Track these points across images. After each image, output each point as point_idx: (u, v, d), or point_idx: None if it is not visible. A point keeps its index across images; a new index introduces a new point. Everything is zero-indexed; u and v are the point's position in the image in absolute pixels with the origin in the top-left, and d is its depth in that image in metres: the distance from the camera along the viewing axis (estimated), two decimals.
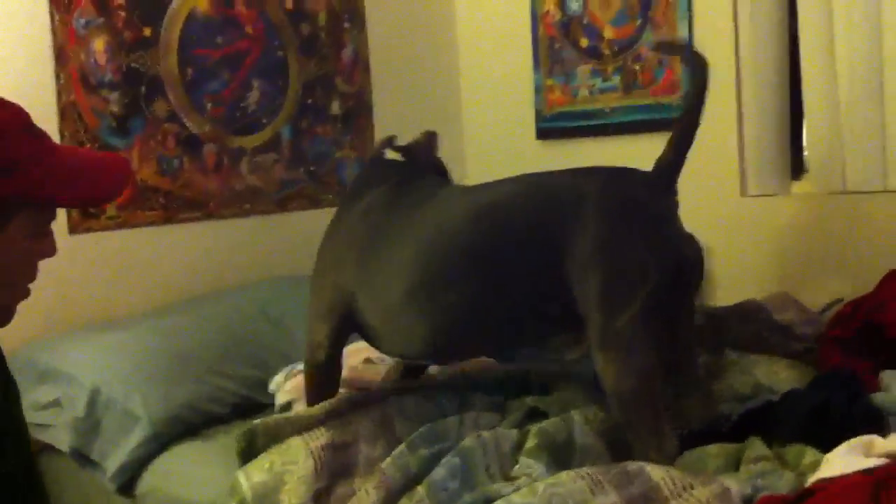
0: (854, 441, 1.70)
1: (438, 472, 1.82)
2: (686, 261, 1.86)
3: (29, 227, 1.33)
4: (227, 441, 2.16)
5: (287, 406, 2.33)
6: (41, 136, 1.34)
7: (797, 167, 3.05)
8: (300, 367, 2.39)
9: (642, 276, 1.79)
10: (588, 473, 1.65)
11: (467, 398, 2.13)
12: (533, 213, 1.89)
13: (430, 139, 2.35)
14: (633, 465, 1.68)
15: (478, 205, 1.95)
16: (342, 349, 2.18)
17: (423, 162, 2.26)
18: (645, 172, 1.97)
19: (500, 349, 2.26)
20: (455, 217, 1.97)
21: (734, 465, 1.78)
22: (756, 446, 1.79)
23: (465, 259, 1.92)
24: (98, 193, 1.43)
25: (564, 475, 1.67)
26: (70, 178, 1.35)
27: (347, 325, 2.13)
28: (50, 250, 1.39)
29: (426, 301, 1.96)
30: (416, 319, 1.99)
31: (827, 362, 2.17)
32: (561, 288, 1.84)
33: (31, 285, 1.39)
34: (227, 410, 2.41)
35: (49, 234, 1.39)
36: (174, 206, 2.87)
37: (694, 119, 1.95)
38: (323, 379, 2.17)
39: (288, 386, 2.40)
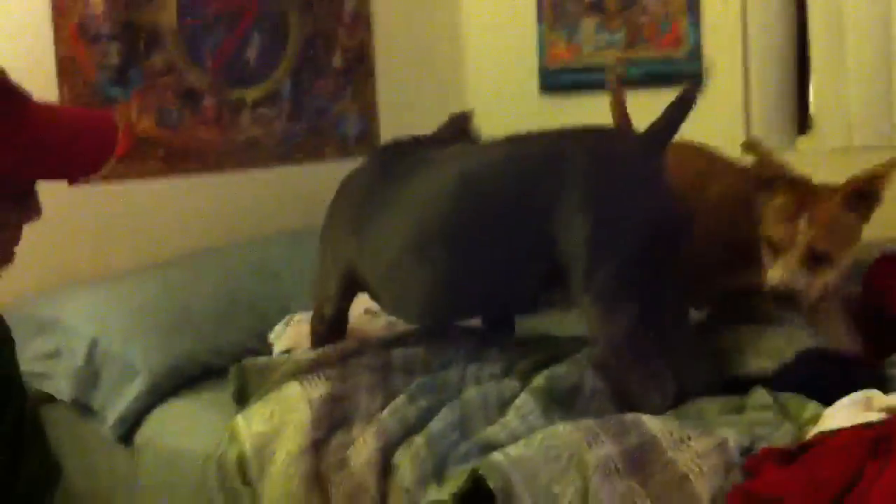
0: (855, 395, 1.70)
1: (436, 424, 1.82)
2: (670, 223, 1.86)
3: (5, 199, 1.22)
4: (225, 393, 2.17)
5: (286, 353, 2.33)
6: (10, 110, 1.20)
7: (802, 122, 3.02)
8: (300, 315, 2.40)
9: (625, 230, 1.83)
10: (585, 426, 1.65)
11: (476, 352, 2.13)
12: (518, 180, 1.91)
13: (459, 120, 2.37)
14: (630, 416, 1.68)
15: (465, 172, 1.97)
16: (349, 305, 2.25)
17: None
18: (634, 135, 2.01)
19: (492, 310, 2.25)
20: (445, 183, 1.99)
21: (733, 408, 1.78)
22: (758, 395, 1.79)
23: (454, 225, 1.96)
24: (75, 171, 1.30)
25: (561, 427, 1.66)
26: (44, 156, 1.22)
27: (353, 284, 2.18)
28: (33, 214, 1.27)
29: (419, 265, 1.99)
30: (411, 282, 2.02)
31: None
32: (549, 246, 1.87)
33: (20, 246, 1.28)
34: (228, 362, 2.40)
35: (31, 196, 1.26)
36: (174, 158, 2.84)
37: (695, 89, 1.95)
38: (329, 334, 2.23)
39: (289, 332, 2.41)
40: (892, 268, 2.18)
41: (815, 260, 1.84)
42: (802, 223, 1.84)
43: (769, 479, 1.51)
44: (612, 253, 1.81)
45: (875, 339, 2.05)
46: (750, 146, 2.02)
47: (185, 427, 2.21)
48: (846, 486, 1.45)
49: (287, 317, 2.47)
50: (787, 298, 1.84)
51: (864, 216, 1.87)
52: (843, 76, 2.78)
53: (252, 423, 1.92)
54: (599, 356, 1.89)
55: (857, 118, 2.75)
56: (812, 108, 2.97)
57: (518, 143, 2.00)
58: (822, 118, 2.88)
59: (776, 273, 1.84)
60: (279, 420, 1.90)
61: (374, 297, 2.19)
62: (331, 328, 2.23)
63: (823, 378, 1.84)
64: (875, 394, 1.70)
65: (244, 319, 2.49)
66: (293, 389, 1.96)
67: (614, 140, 1.98)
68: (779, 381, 1.86)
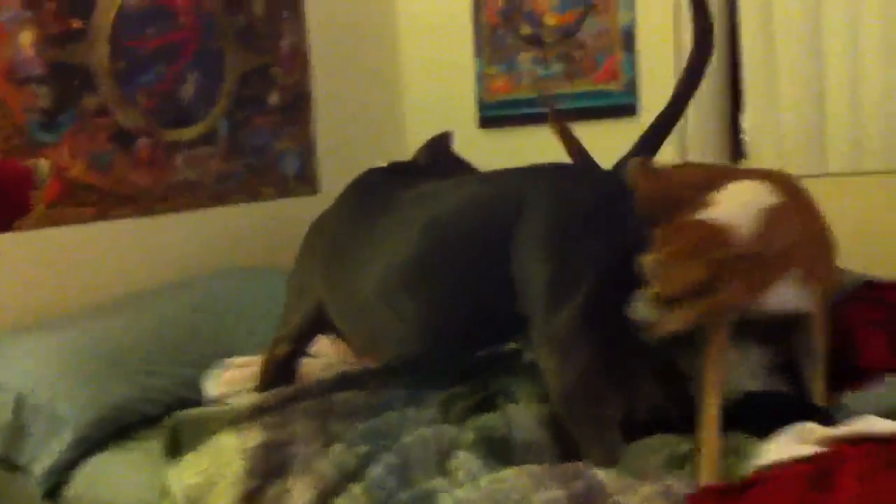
0: (791, 428, 1.70)
1: (376, 470, 1.79)
2: (632, 261, 1.83)
3: None
4: (158, 443, 2.11)
5: (217, 399, 2.28)
6: None
7: (737, 151, 3.06)
8: (240, 360, 2.36)
9: (584, 271, 1.76)
10: (531, 471, 1.64)
11: (414, 395, 2.11)
12: (481, 224, 1.89)
13: (439, 141, 2.37)
14: (577, 466, 1.67)
15: (433, 216, 1.96)
16: (304, 347, 2.26)
17: (433, 165, 2.29)
18: (597, 172, 2.00)
19: (464, 350, 2.22)
20: (413, 228, 1.97)
21: (678, 458, 1.77)
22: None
23: (424, 270, 1.94)
24: None
25: (508, 471, 1.66)
26: None
27: (314, 326, 2.19)
28: None
29: (389, 308, 1.98)
30: (382, 324, 2.01)
31: None
32: (512, 291, 1.83)
33: None
34: (161, 411, 2.35)
35: None
36: (107, 202, 2.78)
37: (663, 128, 1.94)
38: (278, 375, 2.21)
39: (225, 377, 2.37)
40: (855, 313, 2.14)
41: (665, 305, 1.65)
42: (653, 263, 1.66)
43: None
44: (568, 298, 1.75)
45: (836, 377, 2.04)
46: (636, 170, 1.83)
47: (116, 480, 2.14)
48: None
49: (225, 360, 2.43)
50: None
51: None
52: (776, 105, 2.82)
53: (184, 476, 1.87)
54: (552, 407, 1.85)
55: (790, 146, 2.79)
56: (746, 137, 3.01)
57: (483, 184, 1.97)
58: (756, 146, 2.92)
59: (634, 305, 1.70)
60: (214, 472, 1.86)
61: (341, 336, 2.17)
62: (281, 370, 2.21)
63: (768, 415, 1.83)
64: (814, 427, 1.70)
65: (180, 366, 2.44)
66: (229, 440, 1.91)
67: (573, 180, 1.90)
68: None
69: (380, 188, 2.17)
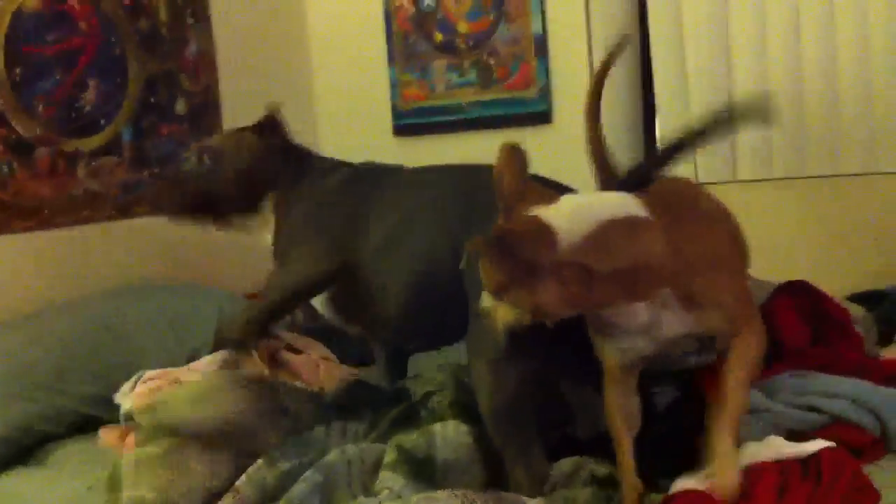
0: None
1: (298, 488, 1.73)
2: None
3: None
4: (61, 463, 2.09)
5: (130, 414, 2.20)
6: None
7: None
8: (152, 373, 2.27)
9: None
10: (464, 493, 1.60)
11: (343, 407, 2.07)
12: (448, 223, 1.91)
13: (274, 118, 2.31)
14: (510, 496, 1.64)
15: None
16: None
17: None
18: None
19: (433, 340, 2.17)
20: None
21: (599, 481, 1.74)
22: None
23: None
24: None
25: (440, 493, 1.62)
26: None
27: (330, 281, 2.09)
28: None
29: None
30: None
31: None
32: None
33: None
34: (63, 430, 2.27)
35: None
36: (5, 215, 2.65)
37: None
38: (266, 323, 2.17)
39: (139, 390, 2.27)
40: (787, 301, 2.21)
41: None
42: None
43: None
44: None
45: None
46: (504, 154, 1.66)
47: (21, 501, 2.05)
48: None
49: (136, 375, 2.33)
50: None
51: None
52: (687, 114, 2.85)
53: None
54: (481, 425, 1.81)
55: (701, 155, 2.83)
56: (660, 143, 3.04)
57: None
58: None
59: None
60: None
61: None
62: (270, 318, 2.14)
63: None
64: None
65: (84, 383, 2.34)
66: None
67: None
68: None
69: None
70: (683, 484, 1.59)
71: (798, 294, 2.26)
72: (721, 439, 1.56)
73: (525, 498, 1.61)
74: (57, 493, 2.00)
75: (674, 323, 1.56)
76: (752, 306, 1.67)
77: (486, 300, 1.54)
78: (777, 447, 1.64)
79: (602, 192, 1.71)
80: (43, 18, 2.74)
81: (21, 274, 2.67)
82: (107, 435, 2.11)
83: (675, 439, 1.76)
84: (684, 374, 2.01)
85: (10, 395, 2.23)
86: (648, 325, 1.55)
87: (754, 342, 1.62)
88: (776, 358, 2.09)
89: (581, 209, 1.52)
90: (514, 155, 1.62)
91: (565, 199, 1.55)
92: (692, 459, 1.63)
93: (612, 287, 1.49)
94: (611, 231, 1.49)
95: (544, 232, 1.47)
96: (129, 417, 2.18)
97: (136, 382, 2.30)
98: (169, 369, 2.27)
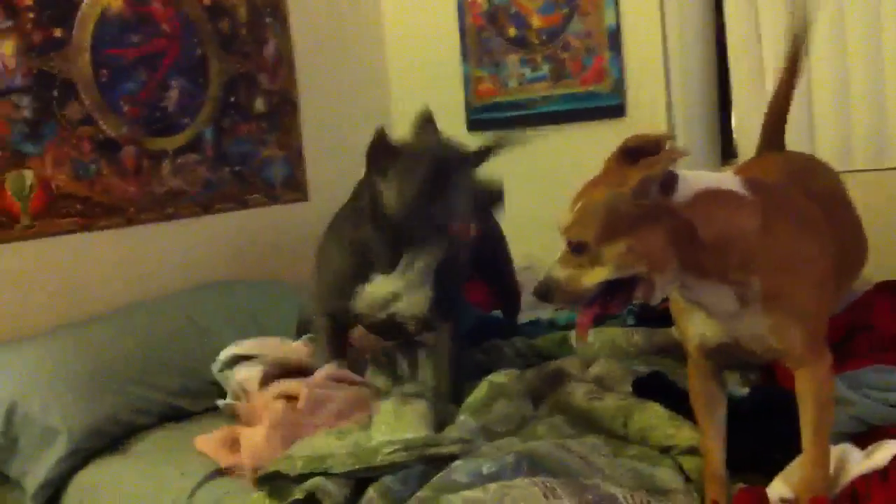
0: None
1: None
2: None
3: None
4: (152, 451, 2.14)
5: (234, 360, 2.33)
6: None
7: (727, 152, 3.05)
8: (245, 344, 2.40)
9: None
10: (542, 481, 1.63)
11: None
12: None
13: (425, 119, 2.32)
14: (589, 480, 1.66)
15: None
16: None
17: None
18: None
19: None
20: None
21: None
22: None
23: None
24: None
25: (518, 480, 1.64)
26: None
27: None
28: None
29: None
30: None
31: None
32: None
33: None
34: (152, 420, 2.34)
35: None
36: (92, 212, 2.75)
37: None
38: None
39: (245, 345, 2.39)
40: (885, 295, 2.23)
41: (575, 251, 1.50)
42: (567, 212, 1.53)
43: None
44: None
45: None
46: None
47: (112, 489, 2.12)
48: None
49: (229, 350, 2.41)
50: (545, 295, 1.55)
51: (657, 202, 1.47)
52: (764, 103, 2.81)
53: None
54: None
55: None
56: (735, 136, 3.00)
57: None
58: (746, 145, 2.91)
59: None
60: None
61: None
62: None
63: None
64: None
65: (169, 376, 2.42)
66: None
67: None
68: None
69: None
70: (777, 490, 1.58)
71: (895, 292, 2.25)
72: (811, 448, 1.56)
73: (610, 485, 1.63)
74: (148, 480, 2.07)
75: (752, 322, 1.55)
76: (824, 335, 1.60)
77: (561, 270, 1.51)
78: (853, 464, 1.60)
79: (703, 171, 1.68)
80: (126, 21, 2.84)
81: (108, 270, 2.76)
82: (204, 445, 2.13)
83: (762, 431, 1.75)
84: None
85: (101, 389, 2.30)
86: (732, 314, 1.55)
87: (824, 378, 1.57)
88: (866, 349, 2.08)
89: (687, 175, 1.51)
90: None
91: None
92: (782, 452, 1.63)
93: (707, 256, 1.49)
94: (716, 198, 1.50)
95: (670, 175, 1.46)
96: (237, 395, 2.27)
97: (231, 356, 2.39)
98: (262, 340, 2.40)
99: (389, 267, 2.15)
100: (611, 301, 1.52)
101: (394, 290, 2.19)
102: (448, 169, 2.04)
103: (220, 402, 2.29)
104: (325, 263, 2.28)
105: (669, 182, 1.46)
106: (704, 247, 1.48)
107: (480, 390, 2.05)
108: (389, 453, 1.77)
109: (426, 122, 2.27)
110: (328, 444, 1.85)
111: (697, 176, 1.52)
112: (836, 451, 1.61)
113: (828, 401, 1.58)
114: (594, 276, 1.48)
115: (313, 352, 2.35)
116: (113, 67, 2.80)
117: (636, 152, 1.48)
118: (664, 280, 1.49)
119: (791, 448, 1.59)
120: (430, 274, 2.21)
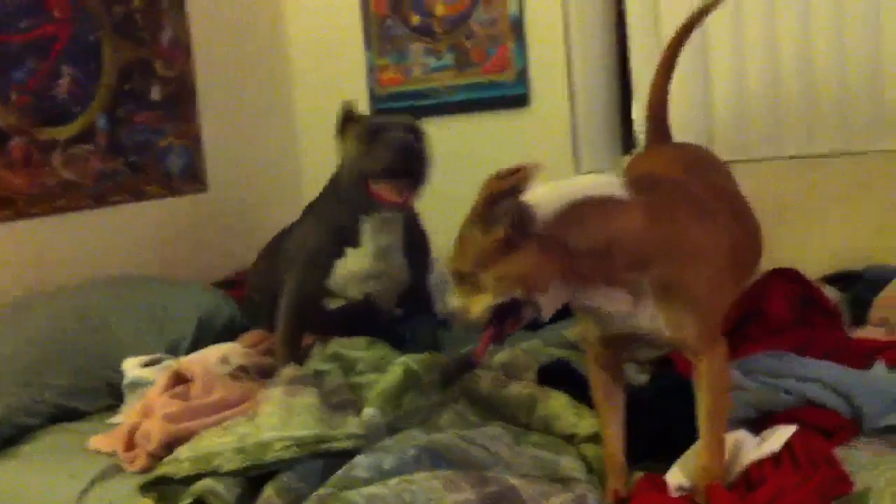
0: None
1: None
2: None
3: None
4: (41, 453, 2.08)
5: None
6: None
7: (629, 142, 3.09)
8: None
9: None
10: (443, 475, 1.63)
11: None
12: None
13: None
14: (490, 473, 1.67)
15: None
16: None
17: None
18: None
19: None
20: None
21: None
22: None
23: None
24: None
25: (419, 474, 1.64)
26: None
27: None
28: None
29: None
30: None
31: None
32: None
33: None
34: (42, 421, 2.26)
35: None
36: None
37: None
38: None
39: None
40: (777, 284, 2.27)
41: (459, 282, 1.58)
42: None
43: None
44: None
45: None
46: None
47: (3, 493, 2.04)
48: None
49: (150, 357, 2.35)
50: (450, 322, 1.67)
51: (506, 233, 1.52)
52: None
53: None
54: None
55: (678, 137, 2.83)
56: (636, 130, 3.04)
57: None
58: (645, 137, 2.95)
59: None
60: None
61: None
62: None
63: None
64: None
65: (60, 375, 2.33)
66: None
67: None
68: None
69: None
70: (675, 478, 1.61)
71: (788, 279, 2.31)
72: (706, 435, 1.60)
73: (509, 476, 1.63)
74: (36, 483, 2.00)
75: (647, 316, 1.58)
76: (719, 326, 1.64)
77: (456, 299, 1.57)
78: (748, 450, 1.64)
79: (584, 176, 1.71)
80: (16, 5, 2.72)
81: None
82: (99, 443, 2.09)
83: (663, 420, 1.78)
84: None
85: None
86: (627, 314, 1.58)
87: (720, 368, 1.60)
88: (760, 335, 2.14)
89: (555, 191, 1.55)
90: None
91: (541, 186, 1.56)
92: (680, 441, 1.66)
93: (589, 265, 1.52)
94: (584, 209, 1.52)
95: (526, 206, 1.50)
96: (135, 386, 2.23)
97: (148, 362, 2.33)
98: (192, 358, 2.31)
99: (353, 236, 2.27)
100: (504, 323, 1.56)
101: (368, 268, 2.28)
102: (383, 129, 2.20)
103: (116, 420, 2.22)
104: (300, 242, 2.37)
105: (522, 212, 1.49)
106: (583, 257, 1.51)
107: (395, 375, 2.03)
108: (281, 449, 1.74)
109: (348, 116, 2.33)
110: (213, 443, 1.80)
111: (561, 193, 1.54)
112: (731, 437, 1.65)
113: (723, 390, 1.62)
114: (480, 303, 1.54)
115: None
116: (2, 54, 2.68)
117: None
118: (548, 298, 1.53)
119: (690, 435, 1.62)
120: (398, 250, 2.31)
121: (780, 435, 1.64)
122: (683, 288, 1.56)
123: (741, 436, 1.67)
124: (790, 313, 2.23)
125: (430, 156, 2.28)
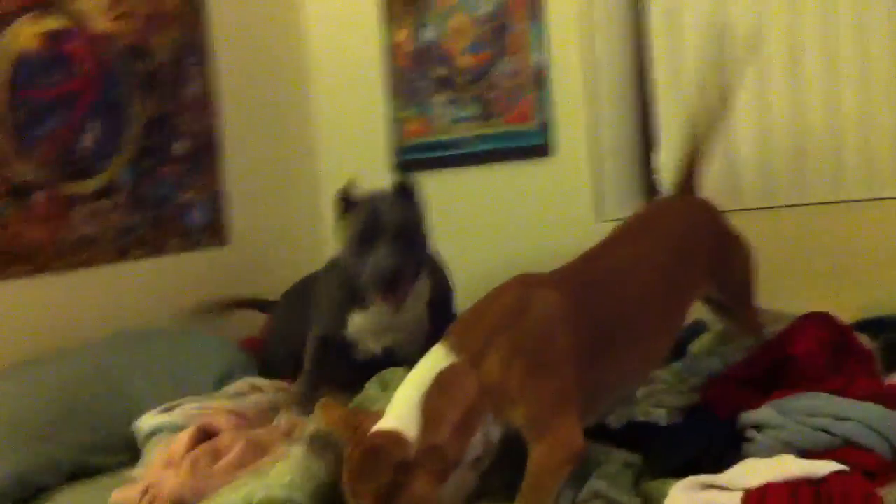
0: (699, 478, 1.66)
1: None
2: None
3: None
4: None
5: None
6: None
7: (651, 190, 3.05)
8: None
9: None
10: None
11: None
12: None
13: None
14: None
15: None
16: None
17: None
18: None
19: None
20: None
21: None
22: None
23: None
24: None
25: None
26: None
27: None
28: None
29: None
30: None
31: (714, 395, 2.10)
32: None
33: None
34: (61, 479, 2.23)
35: None
36: (1, 260, 2.64)
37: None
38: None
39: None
40: (808, 330, 2.21)
41: None
42: None
43: None
44: None
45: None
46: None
47: None
48: None
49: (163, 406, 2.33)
50: None
51: None
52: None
53: None
54: None
55: (705, 184, 2.79)
56: (659, 177, 3.00)
57: None
58: (669, 187, 2.91)
59: None
60: None
61: None
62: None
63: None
64: (708, 477, 1.66)
65: (79, 431, 2.31)
66: None
67: None
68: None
69: None
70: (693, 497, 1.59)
71: (820, 324, 2.23)
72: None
73: None
74: None
75: (495, 434, 1.69)
76: (563, 416, 1.71)
77: None
78: (787, 467, 1.61)
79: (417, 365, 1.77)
80: (43, 61, 2.75)
81: (17, 320, 2.64)
82: (120, 496, 2.05)
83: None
84: None
85: (7, 446, 2.19)
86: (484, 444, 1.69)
87: (553, 453, 1.67)
88: (792, 382, 2.07)
89: (401, 403, 1.66)
90: (332, 408, 1.75)
91: (390, 405, 1.67)
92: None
93: (458, 441, 1.63)
94: (431, 404, 1.63)
95: (394, 440, 1.60)
96: (148, 437, 2.21)
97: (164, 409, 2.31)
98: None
99: (360, 300, 2.30)
100: None
101: (379, 322, 2.30)
102: (377, 228, 2.22)
103: (136, 472, 2.18)
104: (323, 290, 2.44)
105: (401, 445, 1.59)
106: (452, 439, 1.62)
107: None
108: None
109: (403, 189, 2.38)
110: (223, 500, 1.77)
111: (404, 408, 1.64)
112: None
113: (545, 474, 1.66)
114: None
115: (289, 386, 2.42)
116: (29, 109, 2.70)
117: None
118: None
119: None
120: (416, 304, 2.31)
121: (821, 465, 1.59)
122: (517, 392, 1.69)
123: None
124: (821, 359, 2.16)
125: (416, 210, 2.33)
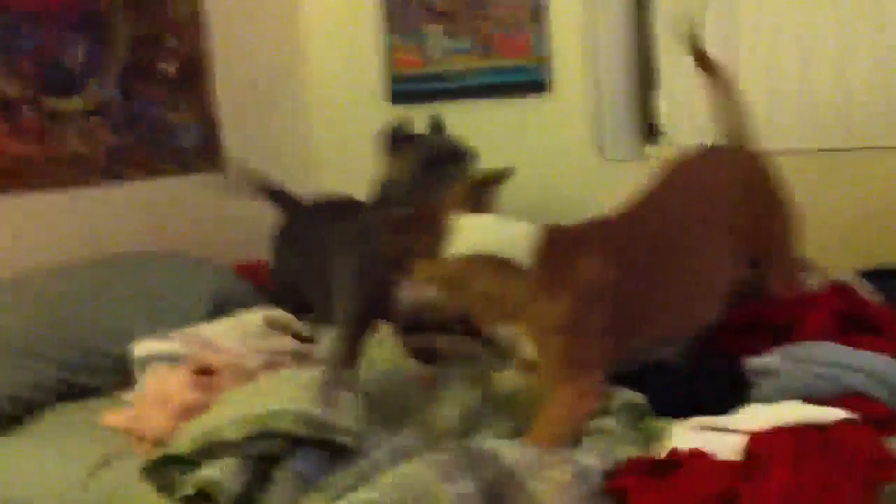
0: (702, 420, 1.68)
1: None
2: None
3: None
4: (48, 432, 2.05)
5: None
6: None
7: (650, 131, 3.04)
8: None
9: None
10: (435, 462, 1.57)
11: None
12: None
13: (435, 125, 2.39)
14: (481, 449, 1.61)
15: None
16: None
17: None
18: None
19: None
20: None
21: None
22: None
23: None
24: None
25: (410, 465, 1.59)
26: None
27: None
28: None
29: None
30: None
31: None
32: None
33: None
34: (48, 398, 2.23)
35: None
36: None
37: None
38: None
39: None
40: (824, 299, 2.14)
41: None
42: None
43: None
44: None
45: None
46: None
47: (10, 471, 2.01)
48: None
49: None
50: None
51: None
52: (691, 85, 2.79)
53: None
54: None
55: (707, 126, 2.77)
56: (660, 118, 2.98)
57: None
58: (671, 127, 2.90)
59: None
60: None
61: None
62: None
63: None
64: (717, 419, 1.67)
65: (66, 349, 2.29)
66: None
67: None
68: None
69: None
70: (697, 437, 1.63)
71: (839, 297, 2.13)
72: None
73: (498, 447, 1.61)
74: (43, 464, 1.97)
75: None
76: (579, 374, 1.78)
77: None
78: (794, 412, 1.62)
79: (515, 225, 1.85)
80: None
81: (5, 237, 2.60)
82: (113, 420, 2.03)
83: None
84: None
85: None
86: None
87: (561, 407, 1.75)
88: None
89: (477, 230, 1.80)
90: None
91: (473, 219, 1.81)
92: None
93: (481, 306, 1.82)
94: (474, 264, 1.78)
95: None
96: (142, 364, 2.18)
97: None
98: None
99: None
100: None
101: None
102: (441, 161, 2.21)
103: (131, 397, 2.14)
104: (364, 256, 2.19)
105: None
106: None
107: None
108: (291, 423, 1.68)
109: (436, 126, 2.36)
110: (213, 417, 1.75)
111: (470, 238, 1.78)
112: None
113: (559, 422, 1.73)
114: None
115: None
116: (11, 23, 2.62)
117: None
118: None
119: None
120: None
121: (829, 412, 1.60)
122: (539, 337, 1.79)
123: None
124: (829, 332, 2.01)
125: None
